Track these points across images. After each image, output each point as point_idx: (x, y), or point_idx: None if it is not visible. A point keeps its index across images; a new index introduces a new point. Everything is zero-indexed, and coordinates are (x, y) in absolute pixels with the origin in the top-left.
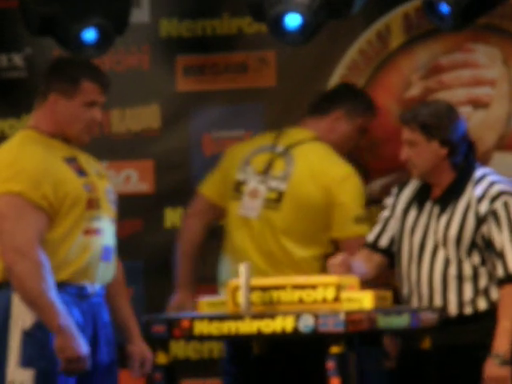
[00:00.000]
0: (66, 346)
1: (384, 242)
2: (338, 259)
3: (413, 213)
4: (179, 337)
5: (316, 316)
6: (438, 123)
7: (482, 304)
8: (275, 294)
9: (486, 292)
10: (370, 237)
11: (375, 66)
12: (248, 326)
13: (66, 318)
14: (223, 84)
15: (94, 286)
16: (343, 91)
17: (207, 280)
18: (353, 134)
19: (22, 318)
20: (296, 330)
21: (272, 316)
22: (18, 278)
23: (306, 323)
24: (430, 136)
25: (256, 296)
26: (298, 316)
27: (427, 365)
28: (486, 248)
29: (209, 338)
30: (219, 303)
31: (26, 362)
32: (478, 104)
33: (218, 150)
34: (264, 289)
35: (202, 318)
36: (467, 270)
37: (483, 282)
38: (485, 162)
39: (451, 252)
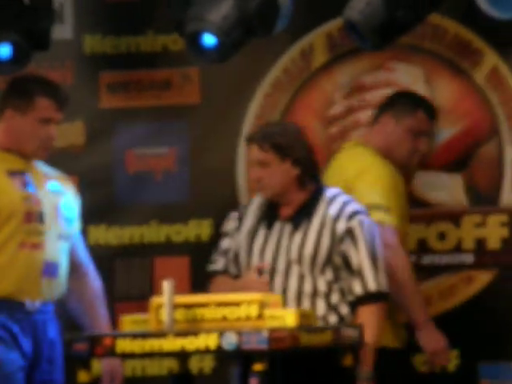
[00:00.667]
0: None
1: (232, 269)
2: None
3: (261, 233)
4: (101, 355)
5: (239, 333)
6: (290, 143)
7: (333, 319)
8: (199, 312)
9: (336, 308)
10: (219, 266)
11: (299, 84)
12: (171, 344)
13: None
14: (147, 101)
15: (35, 303)
16: (391, 96)
17: (130, 297)
18: (402, 135)
19: None
20: (219, 348)
21: (195, 333)
22: None
23: (229, 341)
24: (283, 155)
25: (179, 313)
26: (221, 333)
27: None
28: (343, 266)
29: (131, 355)
30: (142, 321)
31: None
32: None
33: (141, 167)
34: (187, 306)
35: (124, 336)
36: (321, 286)
37: (335, 298)
38: (408, 180)
39: (306, 269)
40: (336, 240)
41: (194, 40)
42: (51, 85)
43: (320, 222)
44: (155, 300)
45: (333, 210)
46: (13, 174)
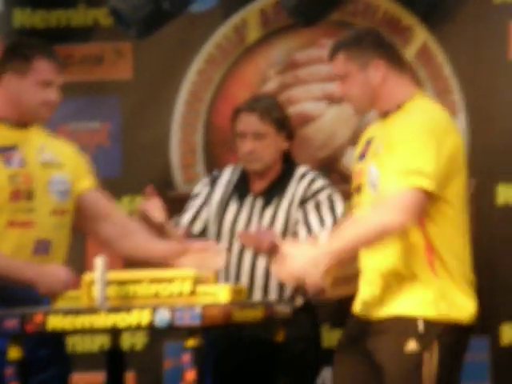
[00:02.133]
0: (47, 283)
1: (197, 228)
2: None
3: (233, 206)
4: (32, 332)
5: (172, 310)
6: (286, 117)
7: (299, 300)
8: (131, 288)
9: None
10: (183, 221)
11: (232, 60)
12: (103, 320)
13: (29, 265)
14: (79, 76)
15: None
16: None
17: None
18: None
19: None
20: (152, 324)
21: (128, 310)
22: None
23: (162, 317)
24: (280, 128)
25: (112, 290)
26: (154, 310)
27: (279, 357)
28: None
29: (62, 332)
30: (74, 297)
31: None
32: (332, 99)
33: (74, 142)
34: (120, 282)
35: (56, 313)
36: None
37: None
38: (339, 156)
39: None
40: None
41: (118, 15)
42: (49, 48)
43: (290, 199)
44: (87, 276)
45: (301, 187)
46: (1, 150)
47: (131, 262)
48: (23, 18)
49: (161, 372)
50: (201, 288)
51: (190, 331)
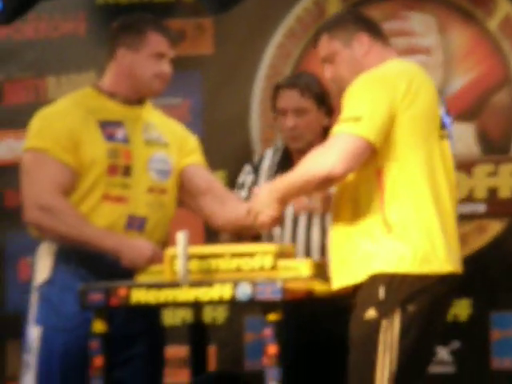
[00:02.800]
0: (130, 256)
1: None
2: None
3: None
4: (116, 305)
5: (253, 284)
6: (326, 92)
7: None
8: (213, 263)
9: None
10: None
11: (312, 33)
12: (185, 294)
13: (112, 235)
14: None
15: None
16: None
17: None
18: None
19: (39, 273)
20: (233, 298)
21: (210, 284)
22: (51, 231)
23: (244, 291)
24: (320, 104)
25: (194, 264)
26: (235, 284)
27: None
28: None
29: (146, 306)
30: (157, 271)
31: (37, 319)
32: None
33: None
34: (202, 257)
35: (139, 286)
36: None
37: None
38: None
39: (328, 222)
40: None
41: None
42: (160, 21)
43: None
44: (170, 251)
45: None
46: (105, 124)
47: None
48: None
49: (241, 346)
50: (282, 262)
51: (271, 305)
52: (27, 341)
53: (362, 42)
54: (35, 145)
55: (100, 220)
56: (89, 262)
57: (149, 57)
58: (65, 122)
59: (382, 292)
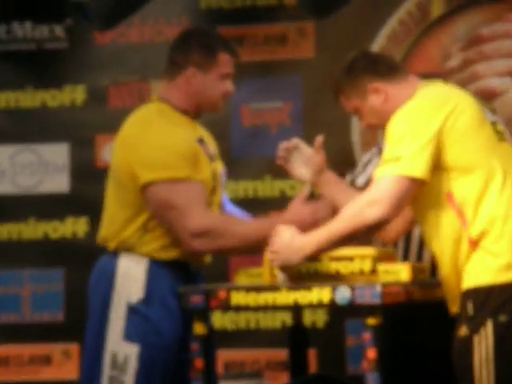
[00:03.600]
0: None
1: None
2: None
3: None
4: (216, 307)
5: (353, 288)
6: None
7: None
8: (312, 266)
9: None
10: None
11: (415, 36)
12: (285, 298)
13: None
14: (263, 55)
15: (196, 266)
16: None
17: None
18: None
19: (127, 291)
20: (333, 302)
21: (308, 288)
22: (220, 251)
23: (343, 295)
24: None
25: (292, 268)
26: (334, 288)
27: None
28: None
29: (245, 308)
30: (256, 274)
31: (130, 336)
32: None
33: (256, 122)
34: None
35: (238, 289)
36: None
37: None
38: None
39: None
40: None
41: None
42: (226, 39)
43: None
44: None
45: None
46: (200, 142)
47: None
48: None
49: (343, 349)
50: (382, 266)
51: (371, 309)
52: (111, 357)
53: (377, 91)
54: (171, 175)
55: None
56: (179, 276)
57: (218, 77)
58: (184, 144)
59: (470, 307)
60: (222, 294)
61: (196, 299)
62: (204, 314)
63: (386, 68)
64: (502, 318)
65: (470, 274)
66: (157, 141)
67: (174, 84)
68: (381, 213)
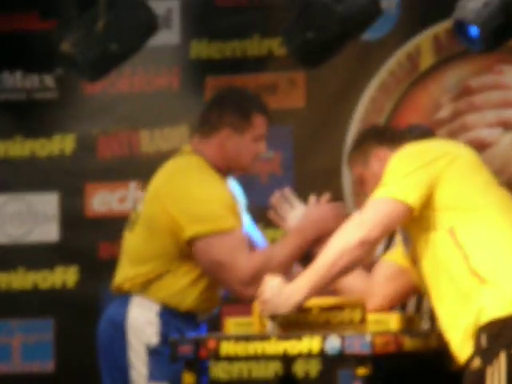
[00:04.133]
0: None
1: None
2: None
3: None
4: (206, 357)
5: (343, 337)
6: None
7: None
8: (302, 315)
9: None
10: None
11: (405, 87)
12: (274, 347)
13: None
14: None
15: (204, 316)
16: None
17: (235, 300)
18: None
19: (144, 333)
20: (322, 352)
21: (298, 337)
22: None
23: (333, 345)
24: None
25: (283, 317)
26: (324, 337)
27: None
28: None
29: (235, 358)
30: (246, 323)
31: (158, 376)
32: (508, 126)
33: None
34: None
35: (228, 339)
36: None
37: None
38: None
39: None
40: None
41: (461, 29)
42: (260, 100)
43: None
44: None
45: None
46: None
47: None
48: (200, 49)
49: None
50: (371, 316)
51: (361, 359)
52: None
53: (379, 157)
54: (218, 227)
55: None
56: (186, 323)
57: (252, 139)
58: (226, 194)
59: (484, 340)
60: (211, 343)
61: (185, 349)
62: (193, 364)
63: (390, 136)
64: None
65: (480, 309)
66: (201, 192)
67: (207, 142)
68: (363, 232)
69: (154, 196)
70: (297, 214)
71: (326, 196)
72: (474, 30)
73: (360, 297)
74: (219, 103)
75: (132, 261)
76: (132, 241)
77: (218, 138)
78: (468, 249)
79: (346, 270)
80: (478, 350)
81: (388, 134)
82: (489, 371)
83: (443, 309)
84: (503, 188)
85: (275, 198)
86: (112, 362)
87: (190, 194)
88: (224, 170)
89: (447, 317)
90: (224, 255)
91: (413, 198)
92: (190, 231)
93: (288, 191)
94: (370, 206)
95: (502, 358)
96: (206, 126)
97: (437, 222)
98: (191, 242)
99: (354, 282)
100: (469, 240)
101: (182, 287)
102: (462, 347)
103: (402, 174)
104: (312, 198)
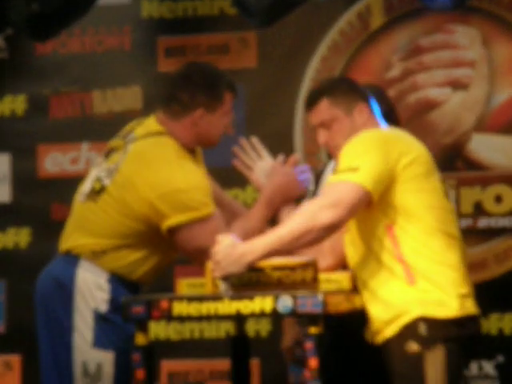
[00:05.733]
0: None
1: None
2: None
3: None
4: (158, 317)
5: (295, 297)
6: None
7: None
8: (254, 276)
9: None
10: None
11: (355, 47)
12: (227, 307)
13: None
14: None
15: None
16: None
17: (187, 261)
18: None
19: (93, 300)
20: (275, 311)
21: (250, 297)
22: None
23: (285, 304)
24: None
25: (234, 277)
26: (276, 297)
27: None
28: None
29: (187, 318)
30: (198, 284)
31: (103, 343)
32: (457, 85)
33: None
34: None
35: (180, 299)
36: None
37: None
38: (464, 143)
39: None
40: None
41: (240, 3)
42: (227, 75)
43: None
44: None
45: None
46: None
47: None
48: (151, 8)
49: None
50: (323, 275)
51: (313, 318)
52: (81, 366)
53: (362, 112)
54: (199, 215)
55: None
56: (132, 286)
57: (221, 116)
58: (204, 180)
59: (422, 328)
60: (163, 304)
61: (138, 309)
62: (145, 325)
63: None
64: (451, 345)
65: (418, 304)
66: (181, 180)
67: (179, 122)
68: (336, 215)
69: (128, 181)
70: (263, 166)
71: (295, 157)
72: None
73: (312, 256)
74: (189, 83)
75: (89, 231)
76: (93, 214)
77: (190, 118)
78: (403, 247)
79: (307, 245)
80: (416, 336)
81: (368, 97)
82: (428, 356)
83: (368, 284)
84: (447, 197)
85: (240, 146)
86: (53, 320)
87: (170, 182)
88: (193, 147)
89: (371, 292)
90: (207, 241)
91: (374, 186)
92: (172, 220)
93: (255, 140)
94: (341, 188)
95: (441, 349)
96: (175, 105)
97: (378, 216)
98: (173, 230)
99: None
100: (405, 238)
101: (135, 260)
102: (387, 325)
103: (364, 158)
104: (279, 158)
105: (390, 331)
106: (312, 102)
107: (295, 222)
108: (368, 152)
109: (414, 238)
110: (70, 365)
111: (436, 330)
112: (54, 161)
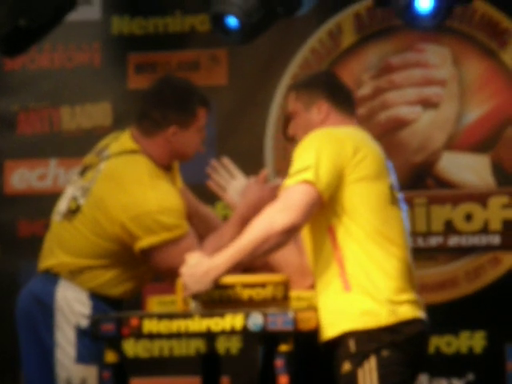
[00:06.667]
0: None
1: None
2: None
3: None
4: (128, 335)
5: (265, 314)
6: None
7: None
8: (225, 293)
9: None
10: None
11: (326, 65)
12: (197, 325)
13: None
14: None
15: None
16: None
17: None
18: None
19: (74, 316)
20: (245, 329)
21: (221, 314)
22: None
23: (255, 322)
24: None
25: (206, 294)
26: (247, 315)
27: None
28: None
29: (158, 336)
30: (169, 301)
31: (86, 358)
32: (427, 104)
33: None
34: (214, 287)
35: (151, 317)
36: None
37: None
38: (434, 161)
39: None
40: None
41: (218, 21)
42: (200, 90)
43: None
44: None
45: None
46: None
47: None
48: (121, 25)
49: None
50: (294, 293)
51: (283, 336)
52: (65, 381)
53: (320, 109)
54: (172, 236)
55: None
56: (112, 302)
57: (196, 132)
58: (178, 200)
59: (352, 344)
60: (134, 321)
61: (108, 327)
62: (115, 342)
63: (342, 98)
64: (384, 352)
65: (348, 316)
66: (154, 203)
67: (152, 140)
68: (291, 218)
69: (100, 202)
70: (237, 185)
71: (264, 172)
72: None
73: (294, 274)
74: (160, 100)
75: (66, 250)
76: (69, 233)
77: (163, 135)
78: (342, 252)
79: (268, 252)
80: (347, 355)
81: (340, 94)
82: (360, 374)
83: (318, 286)
84: (396, 204)
85: (212, 167)
86: (35, 337)
87: (142, 204)
88: (168, 164)
89: (319, 293)
90: (181, 260)
91: (325, 187)
92: (144, 242)
93: (226, 160)
94: (293, 191)
95: (373, 361)
96: (147, 123)
97: (321, 218)
98: (145, 252)
99: (289, 258)
100: (344, 243)
101: (111, 279)
102: (326, 327)
103: (315, 159)
104: (252, 178)
105: (323, 336)
106: (286, 92)
107: (254, 229)
108: (319, 151)
109: (356, 241)
110: (55, 381)
111: (365, 343)
112: (21, 177)
